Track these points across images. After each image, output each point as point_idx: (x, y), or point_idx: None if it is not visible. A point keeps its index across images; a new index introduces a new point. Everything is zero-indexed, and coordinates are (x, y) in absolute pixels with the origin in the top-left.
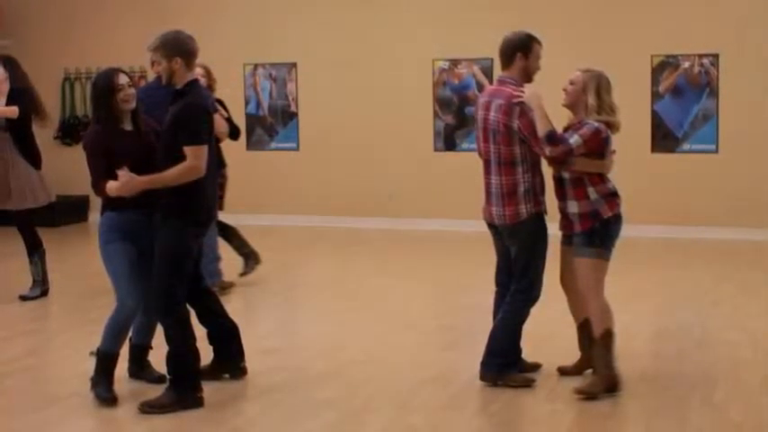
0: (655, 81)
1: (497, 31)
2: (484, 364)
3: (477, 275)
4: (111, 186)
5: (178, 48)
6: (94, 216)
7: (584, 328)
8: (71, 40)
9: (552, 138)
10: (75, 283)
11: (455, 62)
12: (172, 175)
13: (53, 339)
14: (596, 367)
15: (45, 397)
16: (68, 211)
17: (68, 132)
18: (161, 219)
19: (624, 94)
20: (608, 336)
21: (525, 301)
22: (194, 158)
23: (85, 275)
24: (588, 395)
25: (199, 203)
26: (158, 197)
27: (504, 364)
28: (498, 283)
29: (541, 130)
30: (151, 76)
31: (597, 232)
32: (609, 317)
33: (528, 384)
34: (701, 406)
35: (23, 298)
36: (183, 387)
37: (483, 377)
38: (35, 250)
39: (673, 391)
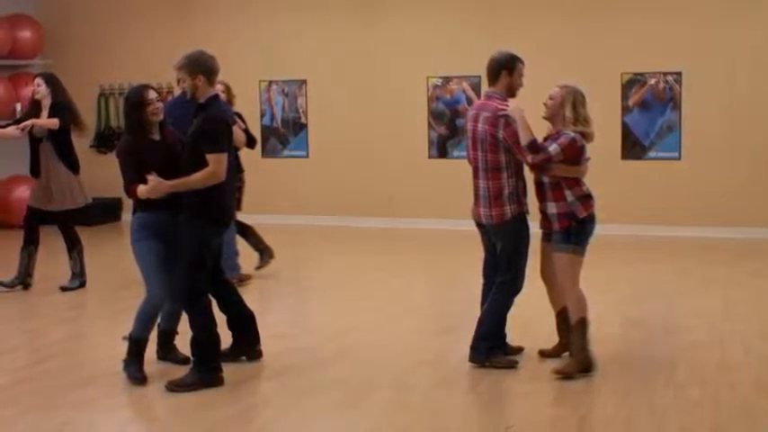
0: (624, 96)
1: (485, 51)
2: (473, 348)
3: (468, 269)
4: (142, 190)
5: (201, 66)
6: (126, 216)
7: (561, 316)
8: (106, 60)
9: (533, 146)
10: (108, 275)
11: (447, 79)
12: (195, 179)
13: (89, 326)
14: (572, 351)
15: (82, 377)
16: (102, 212)
17: (103, 142)
18: (185, 219)
19: (597, 108)
20: (583, 323)
21: (509, 293)
22: (215, 165)
23: (118, 269)
24: (565, 375)
25: (218, 205)
26: (182, 199)
27: (491, 347)
28: (485, 275)
29: (524, 140)
30: (177, 91)
31: (573, 231)
32: (584, 306)
33: (512, 366)
34: (665, 386)
35: (64, 289)
36: (206, 368)
37: (472, 359)
38: (74, 247)
39: (640, 372)
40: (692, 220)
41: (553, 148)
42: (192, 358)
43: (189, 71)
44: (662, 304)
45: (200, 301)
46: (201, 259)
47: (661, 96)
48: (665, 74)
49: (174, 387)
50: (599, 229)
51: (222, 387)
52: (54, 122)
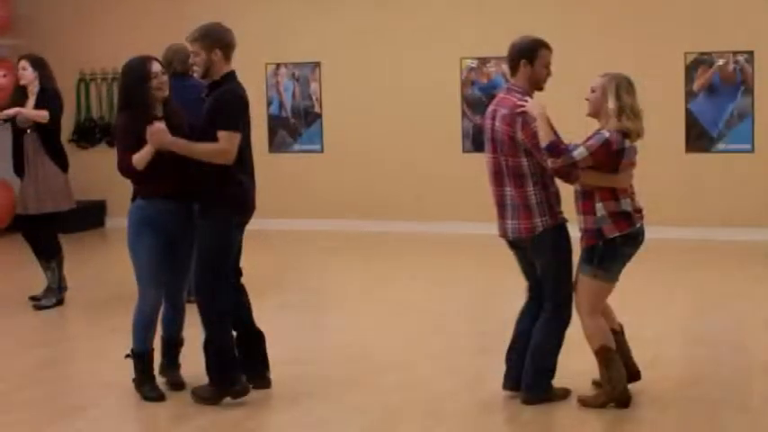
0: (689, 79)
1: (527, 28)
2: (530, 388)
3: (507, 279)
4: (139, 156)
5: (218, 39)
6: (111, 222)
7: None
8: (87, 40)
9: (553, 149)
10: (92, 291)
11: (483, 60)
12: (201, 148)
13: (71, 349)
14: (602, 383)
15: (65, 408)
16: (84, 217)
17: (84, 135)
18: (201, 213)
19: (658, 93)
20: (605, 351)
21: (565, 319)
22: (226, 142)
23: (104, 284)
24: (586, 405)
25: (237, 194)
26: (189, 188)
27: (549, 381)
28: (531, 294)
29: (544, 141)
30: None
31: (597, 251)
32: (603, 334)
33: (567, 396)
34: (737, 414)
35: (38, 307)
36: (222, 381)
37: (529, 400)
38: (53, 257)
39: (707, 397)
40: (766, 221)
41: (579, 151)
42: (207, 374)
43: (205, 44)
44: (731, 318)
45: (219, 305)
46: (221, 257)
47: (731, 79)
48: (736, 53)
49: (194, 397)
50: (659, 233)
51: (229, 418)
52: (43, 115)
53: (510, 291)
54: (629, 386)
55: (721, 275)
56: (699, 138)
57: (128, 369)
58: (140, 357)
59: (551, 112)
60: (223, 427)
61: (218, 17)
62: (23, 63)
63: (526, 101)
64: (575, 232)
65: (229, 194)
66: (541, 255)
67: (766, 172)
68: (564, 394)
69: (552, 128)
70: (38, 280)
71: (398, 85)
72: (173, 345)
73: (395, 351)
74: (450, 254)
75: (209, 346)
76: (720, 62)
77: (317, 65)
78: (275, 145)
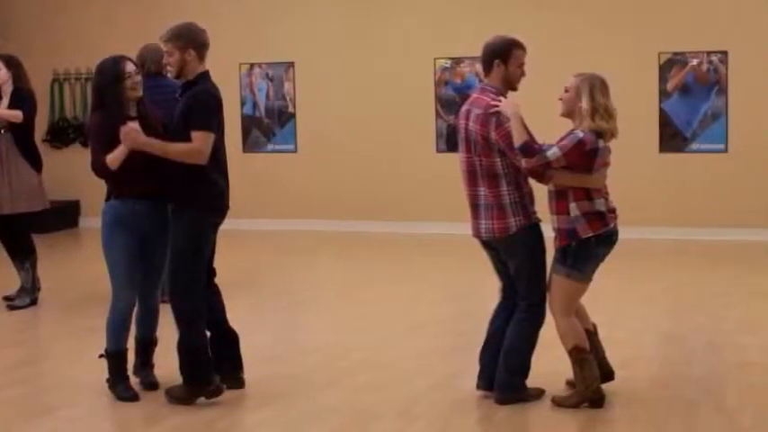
0: (662, 79)
1: (501, 28)
2: (504, 388)
3: (481, 279)
4: (112, 156)
5: (192, 39)
6: (85, 222)
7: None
8: (61, 41)
9: (526, 149)
10: (66, 292)
11: (457, 60)
12: (174, 148)
13: (44, 349)
14: (575, 383)
15: (38, 408)
16: (58, 217)
17: (57, 135)
18: (174, 213)
19: (631, 93)
20: (578, 352)
21: (538, 319)
22: (200, 142)
23: (77, 284)
24: (560, 405)
25: (211, 194)
26: (163, 188)
27: (523, 381)
28: (504, 295)
29: (517, 141)
30: None
31: (571, 252)
32: (576, 334)
33: (541, 396)
34: (712, 413)
35: (11, 307)
36: (196, 382)
37: (503, 400)
38: (27, 257)
39: (682, 397)
40: (740, 221)
41: (552, 151)
42: (181, 374)
43: (178, 44)
44: (705, 318)
45: (193, 304)
46: (196, 257)
47: (705, 79)
48: (709, 53)
49: (169, 397)
50: (632, 233)
51: (201, 420)
52: (17, 115)
53: (483, 291)
54: (603, 386)
55: (695, 275)
56: (672, 138)
57: (101, 369)
58: (114, 357)
59: (525, 112)
60: (197, 427)
61: (192, 17)
62: None
63: (500, 101)
64: (548, 232)
65: (203, 194)
66: (515, 255)
67: (740, 172)
68: (537, 394)
69: (526, 128)
70: (11, 280)
71: (372, 85)
72: (147, 345)
73: (368, 351)
74: (423, 254)
75: (182, 347)
76: (694, 62)
77: (290, 65)
78: (249, 145)
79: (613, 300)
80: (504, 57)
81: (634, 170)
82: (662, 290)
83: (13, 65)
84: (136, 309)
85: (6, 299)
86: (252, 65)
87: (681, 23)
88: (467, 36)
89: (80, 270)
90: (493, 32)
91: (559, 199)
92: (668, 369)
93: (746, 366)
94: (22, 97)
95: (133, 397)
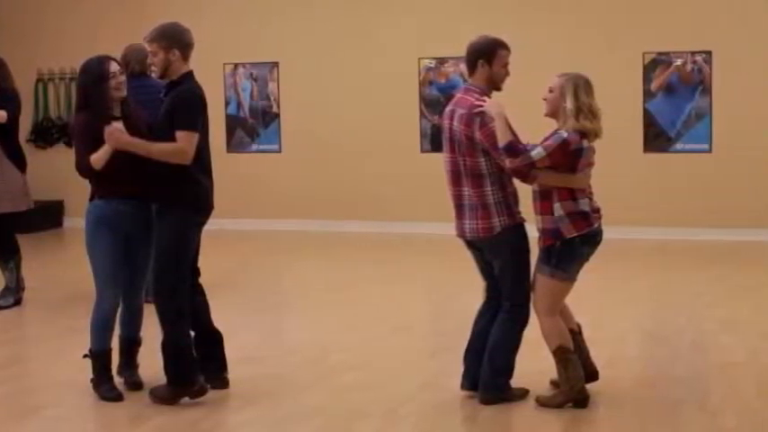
0: (647, 79)
1: (486, 27)
2: (488, 388)
3: (465, 279)
4: (96, 156)
5: (176, 39)
6: (69, 222)
7: (572, 335)
8: (46, 41)
9: (510, 149)
10: (50, 292)
11: (441, 60)
12: (159, 148)
13: (28, 349)
14: (559, 383)
15: (22, 408)
16: (42, 217)
17: (42, 135)
18: (159, 212)
19: (616, 93)
20: (562, 352)
21: (522, 319)
22: (184, 142)
23: (61, 284)
24: (544, 405)
25: (195, 193)
26: (147, 188)
27: (507, 381)
28: (488, 295)
29: (502, 141)
30: None
31: (555, 252)
32: (561, 334)
33: (525, 396)
34: (695, 414)
35: None
36: (180, 381)
37: (487, 400)
38: (11, 257)
39: (665, 397)
40: (724, 221)
41: (536, 151)
42: (165, 374)
43: (162, 44)
44: (689, 318)
45: (178, 305)
46: (180, 257)
47: (689, 79)
48: (694, 53)
49: (152, 397)
50: (617, 233)
51: (184, 419)
52: (1, 115)
53: (468, 291)
54: (588, 386)
55: (679, 275)
56: (656, 138)
57: (86, 369)
58: (98, 357)
59: (509, 111)
60: (181, 427)
61: (176, 17)
62: None
63: (484, 101)
64: (533, 232)
65: (188, 194)
66: (499, 255)
67: (724, 172)
68: (522, 394)
69: (510, 128)
70: None
71: (357, 85)
72: (131, 345)
73: (353, 351)
74: (408, 254)
75: (167, 347)
76: (678, 62)
77: (274, 65)
78: (233, 145)
79: (597, 300)
80: (488, 57)
81: (618, 170)
82: (646, 289)
83: None
84: (120, 309)
85: None
86: (236, 65)
87: (665, 23)
88: (451, 36)
89: (64, 270)
90: (477, 32)
91: (544, 199)
92: (652, 369)
93: (729, 366)
94: (6, 97)
95: (117, 397)
